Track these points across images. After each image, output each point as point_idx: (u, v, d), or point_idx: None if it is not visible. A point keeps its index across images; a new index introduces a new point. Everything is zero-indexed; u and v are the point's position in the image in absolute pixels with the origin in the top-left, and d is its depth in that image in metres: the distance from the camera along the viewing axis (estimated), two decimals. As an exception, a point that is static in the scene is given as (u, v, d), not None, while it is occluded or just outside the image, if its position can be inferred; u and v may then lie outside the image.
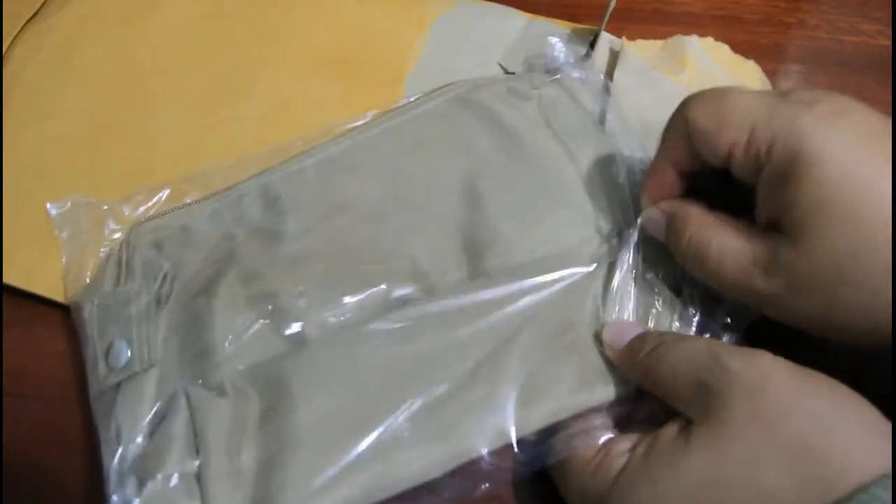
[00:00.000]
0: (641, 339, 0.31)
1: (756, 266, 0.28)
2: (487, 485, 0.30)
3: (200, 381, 0.32)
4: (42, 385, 0.36)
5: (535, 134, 0.38)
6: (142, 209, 0.39)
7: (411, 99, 0.41)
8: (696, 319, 0.33)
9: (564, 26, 0.43)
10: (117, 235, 0.38)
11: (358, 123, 0.40)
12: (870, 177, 0.26)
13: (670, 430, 0.27)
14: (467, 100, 0.40)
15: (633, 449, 0.28)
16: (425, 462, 0.29)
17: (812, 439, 0.24)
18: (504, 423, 0.30)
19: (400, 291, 0.34)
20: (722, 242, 0.30)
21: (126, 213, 0.38)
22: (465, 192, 0.37)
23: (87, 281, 0.37)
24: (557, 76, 0.41)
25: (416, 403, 0.30)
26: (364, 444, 0.29)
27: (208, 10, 0.46)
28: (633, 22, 0.42)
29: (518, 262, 0.34)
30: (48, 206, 0.38)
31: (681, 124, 0.31)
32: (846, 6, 0.47)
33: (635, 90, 0.40)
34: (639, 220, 0.34)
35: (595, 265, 0.34)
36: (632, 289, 0.33)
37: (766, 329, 0.34)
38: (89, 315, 0.34)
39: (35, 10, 0.46)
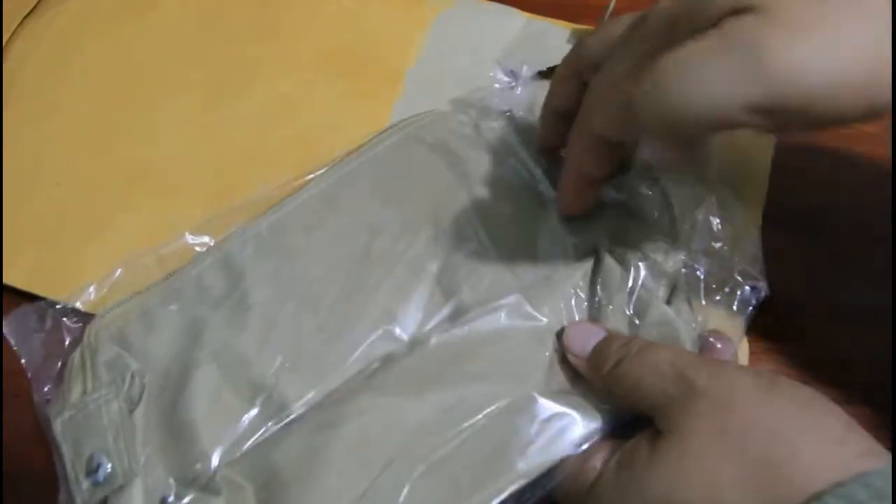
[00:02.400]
0: (604, 346, 0.30)
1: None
2: None
3: (190, 481, 0.31)
4: (42, 385, 0.36)
5: (498, 162, 0.38)
6: (93, 297, 0.37)
7: (363, 144, 0.39)
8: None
9: (564, 26, 0.43)
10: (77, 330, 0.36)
11: (310, 177, 0.38)
12: None
13: (641, 441, 0.27)
14: (419, 137, 0.39)
15: (608, 459, 0.28)
16: None
17: (775, 457, 0.24)
18: (515, 471, 0.29)
19: (381, 348, 0.33)
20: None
21: (80, 306, 0.36)
22: (431, 231, 0.36)
23: (50, 388, 0.35)
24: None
25: (420, 469, 0.29)
26: None
27: (207, 7, 0.46)
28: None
29: (491, 297, 0.33)
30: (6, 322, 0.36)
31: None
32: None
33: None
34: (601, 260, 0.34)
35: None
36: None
37: (767, 331, 0.35)
38: (61, 430, 0.32)
39: (32, 6, 0.46)
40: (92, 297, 0.36)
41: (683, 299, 0.33)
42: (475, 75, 0.42)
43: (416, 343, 0.33)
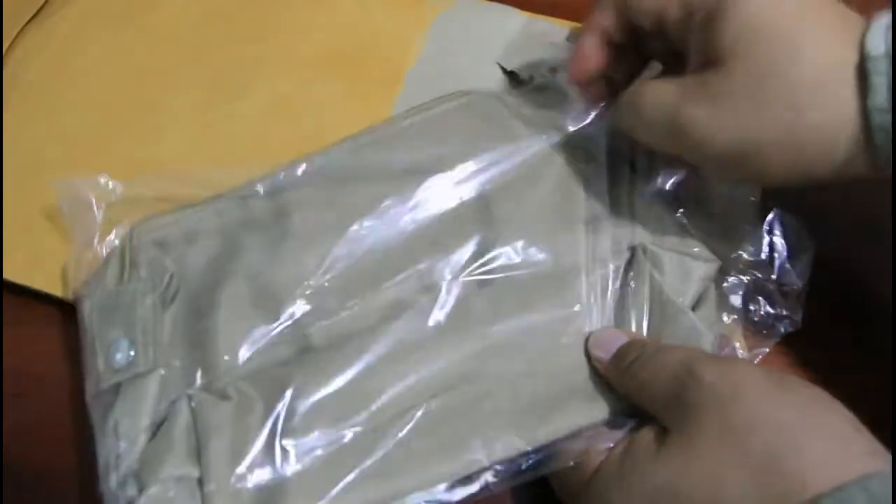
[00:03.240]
0: (626, 349, 0.31)
1: (685, 98, 0.29)
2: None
3: (204, 384, 0.32)
4: (42, 385, 0.36)
5: (541, 139, 0.38)
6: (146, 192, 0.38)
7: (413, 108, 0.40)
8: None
9: (564, 26, 0.43)
10: (120, 225, 0.37)
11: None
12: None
13: (647, 434, 0.28)
14: (475, 105, 0.40)
15: (612, 448, 0.28)
16: (429, 476, 0.29)
17: (779, 453, 0.24)
18: (511, 438, 0.30)
19: (408, 296, 0.34)
20: (654, 86, 0.31)
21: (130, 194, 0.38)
22: (475, 199, 0.36)
23: (85, 276, 0.36)
24: (558, 71, 0.40)
25: (421, 416, 0.30)
26: (368, 460, 0.29)
27: (208, 8, 0.46)
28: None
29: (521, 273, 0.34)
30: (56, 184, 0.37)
31: None
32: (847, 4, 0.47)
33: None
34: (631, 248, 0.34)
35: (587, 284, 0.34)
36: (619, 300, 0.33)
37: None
38: (90, 311, 0.34)
39: (36, 10, 0.46)
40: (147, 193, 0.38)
41: (711, 306, 0.33)
42: (475, 75, 0.42)
43: (447, 293, 0.34)
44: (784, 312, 0.33)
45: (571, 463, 0.29)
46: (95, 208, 0.36)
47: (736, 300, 0.34)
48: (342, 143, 0.39)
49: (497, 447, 0.30)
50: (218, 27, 0.45)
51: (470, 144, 0.37)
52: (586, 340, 0.32)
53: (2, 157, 0.41)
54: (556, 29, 0.43)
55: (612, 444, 0.29)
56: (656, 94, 0.30)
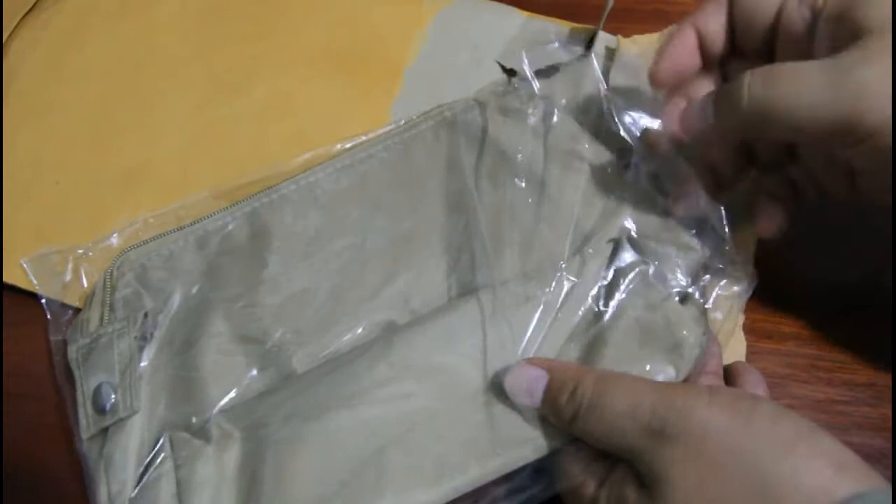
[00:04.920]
0: (553, 398, 0.29)
1: (828, 87, 0.26)
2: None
3: (186, 424, 0.32)
4: (42, 385, 0.36)
5: (528, 152, 0.37)
6: (116, 243, 0.38)
7: (401, 122, 0.40)
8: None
9: (562, 25, 0.43)
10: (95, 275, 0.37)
11: (345, 146, 0.40)
12: None
13: (629, 485, 0.26)
14: (456, 122, 0.39)
15: (601, 486, 0.27)
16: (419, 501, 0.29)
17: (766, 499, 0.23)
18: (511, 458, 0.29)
19: (386, 318, 0.34)
20: (792, 72, 0.27)
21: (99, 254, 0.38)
22: (454, 216, 0.37)
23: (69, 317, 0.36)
24: (557, 70, 0.40)
25: (411, 439, 0.30)
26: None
27: (206, 4, 0.46)
28: (632, 22, 0.42)
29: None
30: (22, 262, 0.38)
31: None
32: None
33: (631, 89, 0.40)
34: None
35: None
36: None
37: (766, 331, 0.35)
38: (75, 356, 0.34)
39: (31, 5, 0.46)
40: (115, 244, 0.38)
41: (695, 301, 0.33)
42: (474, 73, 0.42)
43: (417, 316, 0.34)
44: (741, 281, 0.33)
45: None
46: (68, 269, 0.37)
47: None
48: (321, 166, 0.39)
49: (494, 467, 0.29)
50: (217, 25, 0.45)
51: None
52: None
53: (1, 158, 0.41)
54: (554, 28, 0.43)
55: (598, 481, 0.28)
56: (795, 76, 0.27)
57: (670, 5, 0.44)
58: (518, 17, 0.44)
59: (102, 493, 0.31)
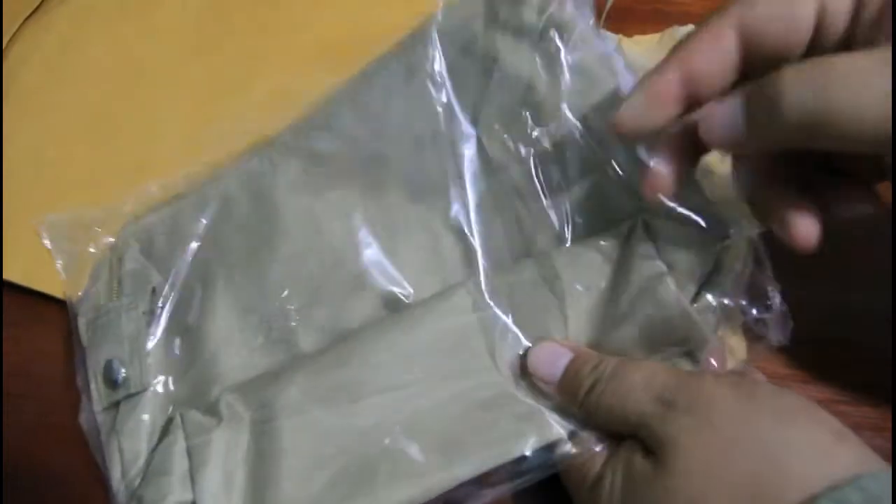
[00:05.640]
0: (574, 371, 0.29)
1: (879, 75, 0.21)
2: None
3: (196, 400, 0.32)
4: (42, 385, 0.36)
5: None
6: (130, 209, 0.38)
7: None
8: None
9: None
10: (109, 239, 0.37)
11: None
12: None
13: (636, 455, 0.27)
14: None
15: (606, 463, 0.28)
16: (424, 487, 0.29)
17: (761, 474, 0.24)
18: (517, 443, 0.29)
19: (392, 297, 0.34)
20: (849, 68, 0.22)
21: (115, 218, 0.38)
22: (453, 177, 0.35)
23: (81, 293, 0.36)
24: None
25: (415, 422, 0.29)
26: (355, 470, 0.29)
27: (207, 3, 0.46)
28: (632, 22, 0.42)
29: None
30: (39, 228, 0.38)
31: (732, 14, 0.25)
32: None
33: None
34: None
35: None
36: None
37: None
38: (84, 330, 0.34)
39: (34, 7, 0.46)
40: (127, 211, 0.38)
41: (704, 301, 0.31)
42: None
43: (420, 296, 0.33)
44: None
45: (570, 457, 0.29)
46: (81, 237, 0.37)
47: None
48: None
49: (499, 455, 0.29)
50: (217, 22, 0.45)
51: None
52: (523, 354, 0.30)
53: (2, 158, 0.41)
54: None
55: (603, 453, 0.28)
56: (860, 73, 0.22)
57: (670, 5, 0.44)
58: (518, 17, 0.44)
59: (116, 463, 0.32)
